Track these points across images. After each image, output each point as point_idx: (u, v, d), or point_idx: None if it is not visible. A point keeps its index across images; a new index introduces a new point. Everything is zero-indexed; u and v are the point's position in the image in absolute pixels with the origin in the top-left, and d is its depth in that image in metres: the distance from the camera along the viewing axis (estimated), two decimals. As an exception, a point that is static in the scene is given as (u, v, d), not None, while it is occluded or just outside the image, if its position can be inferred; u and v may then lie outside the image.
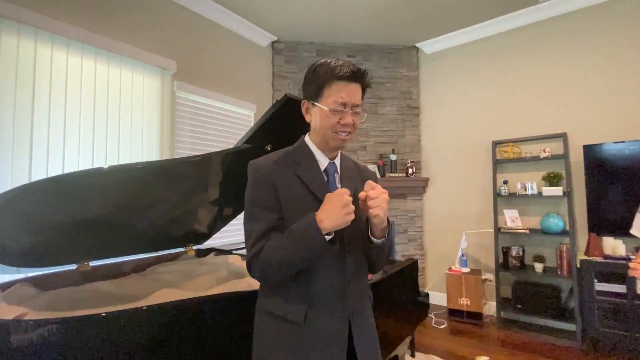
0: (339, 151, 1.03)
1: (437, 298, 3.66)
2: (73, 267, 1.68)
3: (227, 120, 3.26)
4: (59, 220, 1.44)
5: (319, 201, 0.90)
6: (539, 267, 3.01)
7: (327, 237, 0.84)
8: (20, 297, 1.34)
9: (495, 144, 3.36)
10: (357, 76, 0.92)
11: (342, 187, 0.99)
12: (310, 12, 3.20)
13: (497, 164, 3.36)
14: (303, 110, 0.98)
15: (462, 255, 3.42)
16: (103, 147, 2.31)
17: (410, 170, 3.73)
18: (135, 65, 2.50)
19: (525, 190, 3.15)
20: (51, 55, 2.10)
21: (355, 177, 1.05)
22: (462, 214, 3.65)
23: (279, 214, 0.91)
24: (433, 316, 3.34)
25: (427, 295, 1.85)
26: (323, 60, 0.94)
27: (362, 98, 0.98)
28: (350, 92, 0.91)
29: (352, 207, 0.84)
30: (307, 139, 1.01)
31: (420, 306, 1.75)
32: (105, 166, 1.49)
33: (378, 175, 3.64)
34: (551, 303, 2.88)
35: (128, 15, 2.49)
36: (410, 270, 1.68)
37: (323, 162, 0.98)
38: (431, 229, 3.84)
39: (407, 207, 3.84)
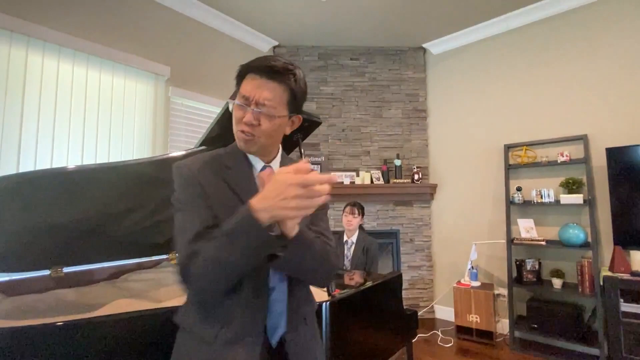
0: (278, 153, 0.92)
1: (445, 313, 3.41)
2: (46, 272, 1.66)
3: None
4: (31, 224, 1.42)
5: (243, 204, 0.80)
6: (557, 282, 2.73)
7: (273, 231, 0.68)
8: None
9: (508, 147, 3.12)
10: (273, 72, 0.79)
11: None
12: (312, 15, 3.14)
13: (510, 169, 3.11)
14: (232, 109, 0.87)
15: (472, 267, 3.17)
16: (93, 154, 2.33)
17: (416, 176, 3.54)
18: (128, 71, 2.52)
19: (542, 197, 2.89)
20: (42, 62, 2.14)
21: None
22: (472, 223, 3.40)
23: (212, 215, 0.79)
24: (440, 333, 3.10)
25: (414, 312, 1.68)
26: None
27: (288, 101, 0.82)
28: (257, 87, 0.79)
29: (303, 191, 0.62)
30: None
31: (405, 323, 1.58)
32: (73, 166, 1.45)
33: (367, 181, 3.49)
34: (571, 324, 2.58)
35: (120, 21, 2.52)
36: (391, 285, 1.53)
37: (258, 166, 0.87)
38: (440, 238, 3.61)
39: (413, 215, 3.63)
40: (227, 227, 0.69)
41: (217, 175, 0.83)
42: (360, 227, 2.56)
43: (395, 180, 3.54)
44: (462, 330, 3.02)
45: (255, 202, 0.66)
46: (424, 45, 3.75)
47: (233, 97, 0.84)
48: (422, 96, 3.76)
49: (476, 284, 3.10)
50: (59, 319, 1.18)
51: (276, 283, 0.84)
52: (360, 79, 3.74)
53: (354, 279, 1.56)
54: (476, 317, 2.94)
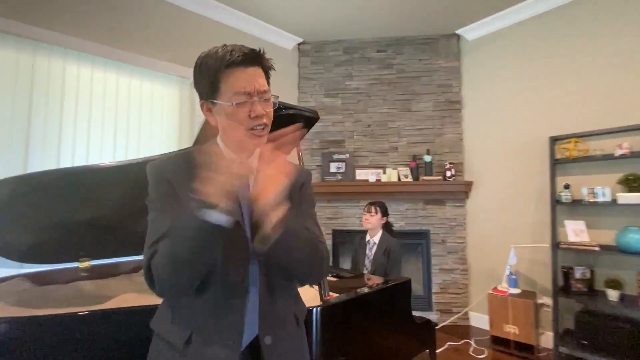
0: (256, 150, 0.88)
1: (481, 321, 3.15)
2: (75, 265, 1.79)
3: (249, 124, 3.28)
4: (59, 219, 1.54)
5: None
6: (613, 294, 2.37)
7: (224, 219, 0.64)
8: (8, 291, 1.46)
9: (554, 140, 2.77)
10: (253, 58, 0.78)
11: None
12: (336, 8, 3.05)
13: (557, 164, 2.76)
14: (203, 112, 0.82)
15: (511, 273, 2.88)
16: (123, 155, 2.48)
17: (448, 173, 3.30)
18: (154, 75, 2.65)
19: (595, 196, 2.52)
20: (78, 71, 2.33)
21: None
22: (512, 224, 3.09)
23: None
24: (473, 342, 2.87)
25: (427, 322, 1.54)
26: (205, 52, 0.79)
27: (268, 84, 0.82)
28: (251, 77, 0.77)
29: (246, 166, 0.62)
30: (218, 140, 0.86)
31: (415, 334, 1.46)
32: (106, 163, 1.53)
33: (394, 179, 3.30)
34: (629, 342, 2.23)
35: (147, 29, 2.65)
36: (396, 291, 1.41)
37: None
38: (475, 240, 3.34)
39: (445, 215, 3.40)
40: (176, 224, 0.68)
41: (190, 175, 0.78)
42: (386, 227, 2.44)
43: (425, 178, 3.33)
44: (498, 341, 2.76)
45: (199, 188, 0.64)
46: (458, 32, 3.47)
47: (209, 98, 0.78)
48: (456, 86, 3.49)
49: (515, 291, 2.81)
50: (70, 310, 1.26)
51: (253, 284, 0.80)
52: (387, 71, 3.57)
53: (357, 283, 1.47)
54: (514, 328, 2.66)
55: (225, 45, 0.79)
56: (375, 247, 2.34)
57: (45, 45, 2.19)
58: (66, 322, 1.11)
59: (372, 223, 2.34)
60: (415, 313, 3.13)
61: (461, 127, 3.48)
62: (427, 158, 3.35)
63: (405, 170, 3.39)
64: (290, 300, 0.89)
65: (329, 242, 3.46)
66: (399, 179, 3.37)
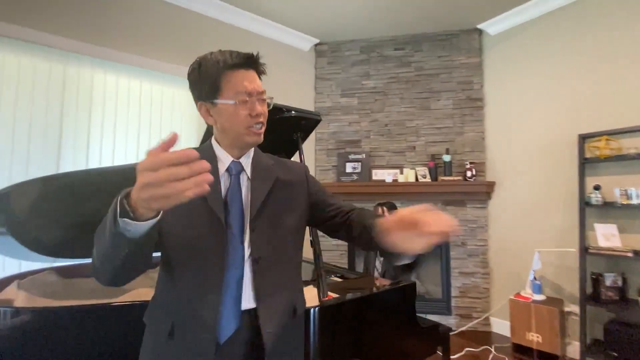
0: (250, 148, 0.90)
1: (503, 327, 3.02)
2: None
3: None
4: (85, 216, 1.65)
5: (208, 207, 0.80)
6: (648, 304, 2.20)
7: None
8: (36, 283, 1.59)
9: (583, 138, 2.61)
10: (252, 61, 0.84)
11: (251, 189, 0.87)
12: (353, 8, 3.03)
13: (586, 163, 2.59)
14: (202, 113, 0.86)
15: (535, 278, 2.74)
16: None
17: (469, 173, 3.19)
18: (177, 81, 2.76)
19: (629, 198, 2.35)
20: (105, 78, 2.48)
21: (270, 176, 0.91)
22: (536, 226, 2.94)
23: (171, 217, 0.75)
24: (493, 349, 2.76)
25: (435, 325, 1.50)
26: (202, 56, 0.85)
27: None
28: (251, 79, 0.83)
29: (153, 176, 0.49)
30: (213, 140, 0.90)
31: (421, 338, 1.43)
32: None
33: (411, 179, 3.24)
34: (667, 358, 2.06)
35: (169, 36, 2.77)
36: (399, 295, 1.39)
37: (225, 162, 0.86)
38: (498, 243, 3.21)
39: (466, 217, 3.29)
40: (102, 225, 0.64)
41: None
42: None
43: (443, 178, 3.24)
44: (520, 349, 2.64)
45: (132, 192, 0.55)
46: (479, 26, 3.34)
47: (209, 99, 0.81)
48: (478, 83, 3.36)
49: (539, 297, 2.67)
50: (89, 302, 1.35)
51: (235, 276, 0.82)
52: (405, 69, 3.50)
53: (361, 284, 1.46)
54: (537, 336, 2.54)
55: (221, 50, 0.84)
56: (386, 249, 2.31)
57: (74, 55, 2.35)
58: (79, 313, 1.19)
59: None
60: (433, 317, 3.08)
61: (483, 125, 3.35)
62: (446, 158, 3.26)
63: (423, 171, 3.32)
64: (287, 293, 0.90)
65: (343, 243, 3.45)
66: (417, 179, 3.30)
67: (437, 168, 3.31)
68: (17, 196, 1.51)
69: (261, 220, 0.85)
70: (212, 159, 0.86)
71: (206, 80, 0.81)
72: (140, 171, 0.50)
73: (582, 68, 2.72)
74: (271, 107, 0.86)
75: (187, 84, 0.90)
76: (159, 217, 0.57)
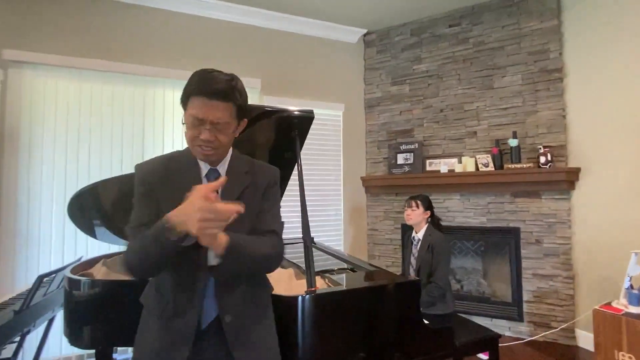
0: (227, 155, 1.00)
1: (589, 341, 2.50)
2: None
3: (315, 123, 3.40)
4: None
5: None
6: None
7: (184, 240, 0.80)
8: (117, 262, 2.01)
9: None
10: (221, 94, 0.87)
11: (222, 195, 0.95)
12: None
13: None
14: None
15: (631, 286, 2.20)
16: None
17: (543, 159, 2.72)
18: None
19: None
20: (163, 92, 2.88)
21: (243, 181, 1.00)
22: (634, 222, 2.34)
23: (155, 214, 0.89)
24: (572, 367, 2.33)
25: (446, 329, 1.36)
26: (202, 69, 0.92)
27: (236, 114, 0.93)
28: (209, 110, 0.87)
29: (210, 215, 0.74)
30: None
31: (426, 340, 1.32)
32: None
33: (470, 168, 3.03)
34: None
35: (225, 48, 3.08)
36: (395, 291, 1.30)
37: (204, 168, 0.97)
38: (584, 242, 2.66)
39: (542, 210, 2.81)
40: (150, 230, 0.82)
41: (169, 178, 0.96)
42: (433, 222, 2.23)
43: (509, 166, 2.83)
44: (609, 372, 2.16)
45: (172, 215, 0.78)
46: (556, -18, 2.78)
47: (183, 107, 0.93)
48: (555, 51, 2.81)
49: (636, 310, 2.13)
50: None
51: (210, 278, 0.94)
52: (462, 47, 3.16)
53: (367, 277, 1.43)
54: (629, 357, 2.04)
55: (213, 70, 0.90)
56: (419, 244, 2.17)
57: (149, 79, 2.83)
58: (125, 286, 1.48)
59: (413, 218, 2.17)
60: (501, 322, 2.75)
61: (563, 101, 2.79)
62: (513, 142, 2.84)
63: (485, 159, 2.95)
64: (248, 286, 0.99)
65: (397, 236, 3.34)
66: (477, 169, 2.96)
67: (502, 155, 2.91)
68: (102, 190, 1.87)
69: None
70: (194, 164, 0.97)
71: (185, 91, 0.90)
72: (197, 209, 0.74)
73: None
74: (237, 134, 0.96)
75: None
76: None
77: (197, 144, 0.90)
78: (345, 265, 1.73)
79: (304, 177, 1.38)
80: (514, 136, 2.85)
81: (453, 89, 3.18)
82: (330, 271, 1.62)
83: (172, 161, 0.99)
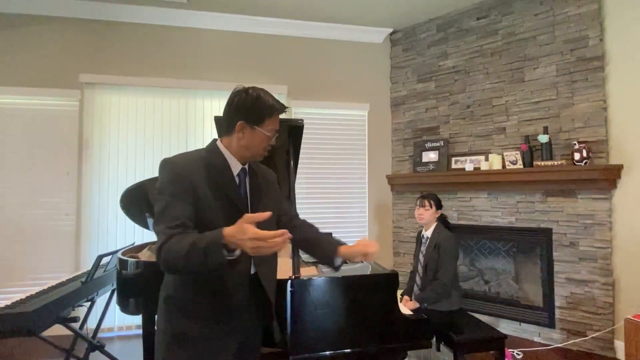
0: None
1: (627, 356, 2.29)
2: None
3: (341, 124, 3.56)
4: None
5: (231, 202, 1.02)
6: None
7: (233, 255, 0.88)
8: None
9: None
10: (283, 110, 1.09)
11: (249, 190, 1.11)
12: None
13: None
14: (236, 128, 1.04)
15: (673, 297, 1.99)
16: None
17: (577, 155, 2.53)
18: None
19: None
20: (203, 103, 3.28)
21: (260, 181, 1.16)
22: (684, 226, 2.08)
23: (193, 209, 0.97)
24: (601, 379, 2.17)
25: (426, 320, 1.41)
26: (256, 93, 1.05)
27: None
28: (278, 122, 1.09)
29: (261, 243, 0.83)
30: (220, 145, 1.08)
31: (399, 331, 1.40)
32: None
33: (496, 166, 3.12)
34: None
35: (262, 60, 3.38)
36: (369, 283, 1.40)
37: (236, 167, 1.08)
38: (627, 246, 2.43)
39: (577, 210, 2.62)
40: (203, 240, 0.87)
41: (208, 176, 1.02)
42: (442, 220, 2.25)
43: (539, 163, 2.68)
44: (642, 387, 1.99)
45: (227, 234, 0.84)
46: (595, -39, 2.54)
47: (253, 123, 1.04)
48: (594, 38, 2.58)
49: (676, 323, 1.93)
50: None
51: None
52: (490, 39, 3.04)
53: (345, 269, 1.55)
54: (663, 374, 1.86)
55: (266, 93, 1.07)
56: (428, 242, 2.20)
57: (191, 91, 3.25)
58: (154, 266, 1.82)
59: (425, 218, 2.21)
60: (530, 327, 2.65)
61: (603, 92, 2.56)
62: (543, 138, 2.67)
63: (513, 156, 2.83)
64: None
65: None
66: (504, 166, 2.85)
67: (532, 152, 2.76)
68: (149, 187, 2.25)
69: (260, 210, 0.98)
70: (225, 164, 1.06)
71: (257, 112, 1.03)
72: (248, 238, 0.82)
73: None
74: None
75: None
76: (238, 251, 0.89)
77: (266, 149, 1.09)
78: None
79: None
80: (545, 132, 2.68)
81: (480, 84, 3.08)
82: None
83: (207, 159, 1.05)
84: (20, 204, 2.92)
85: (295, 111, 3.45)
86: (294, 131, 1.62)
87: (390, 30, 3.58)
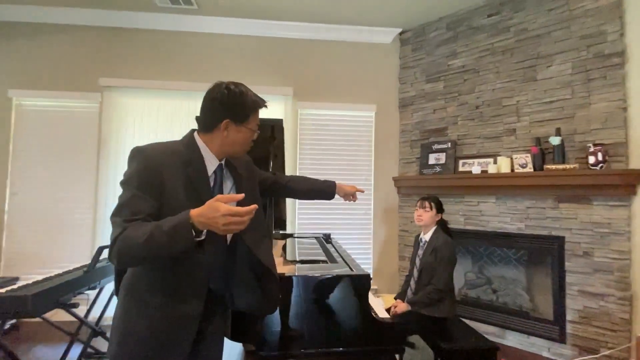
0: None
1: (644, 379, 2.09)
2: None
3: (348, 125, 3.54)
4: None
5: (201, 201, 0.88)
6: None
7: (201, 235, 0.86)
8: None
9: None
10: (265, 106, 1.11)
11: (234, 191, 1.10)
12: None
13: None
14: (220, 125, 1.01)
15: (693, 316, 1.80)
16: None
17: (592, 159, 2.36)
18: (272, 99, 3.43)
19: None
20: None
21: (242, 171, 1.14)
22: None
23: (157, 205, 0.93)
24: (611, 401, 2.00)
25: (391, 325, 1.37)
26: (240, 90, 1.04)
27: None
28: (258, 117, 1.10)
29: (235, 218, 0.82)
30: (198, 140, 1.04)
31: (370, 335, 1.36)
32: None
33: (505, 170, 2.81)
34: None
35: (272, 65, 3.46)
36: (347, 285, 1.37)
37: (213, 162, 1.04)
38: (647, 258, 2.22)
39: (593, 218, 2.44)
40: (166, 223, 0.84)
41: (180, 170, 0.97)
42: (441, 224, 2.18)
43: (550, 166, 2.53)
44: (655, 414, 1.81)
45: (195, 214, 0.83)
46: (615, -50, 2.37)
47: (238, 121, 1.03)
48: (614, 33, 2.40)
49: (696, 345, 1.74)
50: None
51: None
52: (501, 37, 2.91)
53: (320, 268, 1.55)
54: (677, 401, 1.69)
55: (248, 90, 1.06)
56: (425, 246, 2.14)
57: (200, 93, 3.36)
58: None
59: (424, 220, 2.15)
60: (539, 341, 2.50)
61: (623, 91, 2.37)
62: (554, 140, 2.52)
63: (523, 159, 2.69)
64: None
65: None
66: (512, 169, 2.71)
67: (544, 154, 2.61)
68: None
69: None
70: (201, 158, 1.02)
71: (242, 109, 1.02)
72: (221, 214, 0.81)
73: None
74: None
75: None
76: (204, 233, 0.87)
77: (250, 144, 1.09)
78: (325, 259, 1.86)
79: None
80: (557, 133, 2.52)
81: (490, 84, 2.95)
82: (311, 262, 1.79)
83: (181, 152, 1.00)
84: (45, 197, 3.18)
85: (301, 112, 3.48)
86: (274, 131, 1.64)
87: (400, 30, 3.52)
